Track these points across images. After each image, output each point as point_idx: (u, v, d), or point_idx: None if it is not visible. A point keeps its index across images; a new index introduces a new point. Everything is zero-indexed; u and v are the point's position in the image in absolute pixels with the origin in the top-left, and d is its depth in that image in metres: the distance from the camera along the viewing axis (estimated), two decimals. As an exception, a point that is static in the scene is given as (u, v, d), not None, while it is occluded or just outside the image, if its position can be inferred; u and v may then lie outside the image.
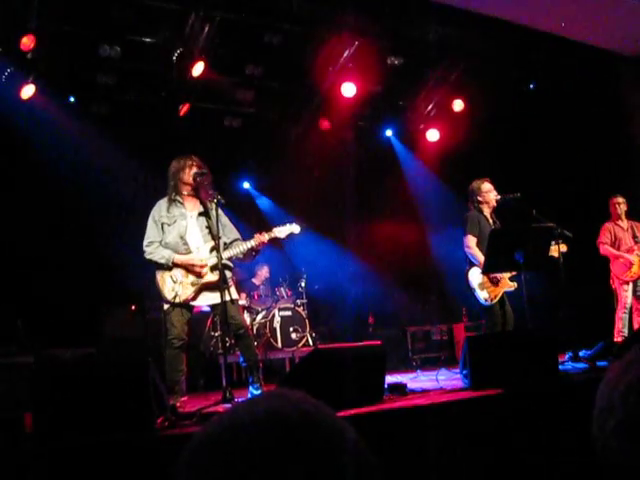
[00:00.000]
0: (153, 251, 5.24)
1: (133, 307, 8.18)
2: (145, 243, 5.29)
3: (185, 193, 5.36)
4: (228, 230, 5.46)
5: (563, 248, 6.39)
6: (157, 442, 3.30)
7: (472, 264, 6.41)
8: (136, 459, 3.16)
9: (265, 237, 5.31)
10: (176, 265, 5.20)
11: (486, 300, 6.32)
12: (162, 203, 5.37)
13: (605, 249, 8.08)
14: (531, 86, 10.46)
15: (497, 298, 6.33)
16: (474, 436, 3.76)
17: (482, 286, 6.34)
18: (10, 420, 3.55)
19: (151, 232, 5.30)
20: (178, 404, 4.78)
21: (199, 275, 5.21)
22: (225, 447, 0.75)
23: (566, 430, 3.78)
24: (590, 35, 9.12)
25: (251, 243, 5.30)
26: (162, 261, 5.20)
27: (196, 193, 5.35)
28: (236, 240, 5.43)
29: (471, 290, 6.43)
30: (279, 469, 0.72)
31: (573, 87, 9.58)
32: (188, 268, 5.21)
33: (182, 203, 5.35)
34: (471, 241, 6.44)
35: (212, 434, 0.78)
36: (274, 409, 0.78)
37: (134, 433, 3.43)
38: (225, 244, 5.32)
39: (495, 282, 6.32)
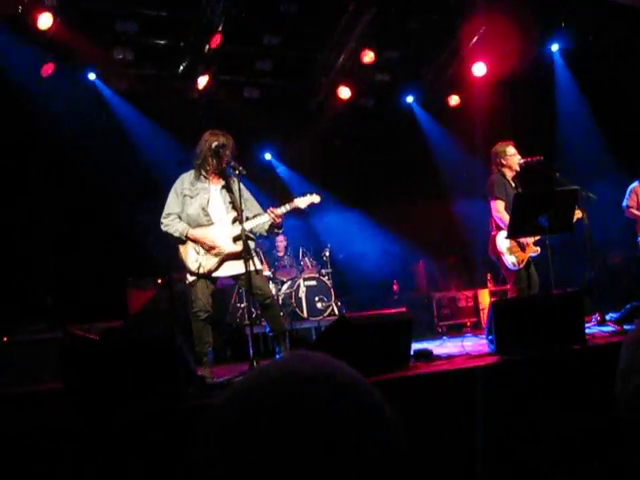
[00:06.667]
0: (169, 223, 5.30)
1: (160, 280, 8.24)
2: (163, 215, 5.35)
3: (209, 168, 5.37)
4: (250, 204, 5.50)
5: (578, 214, 6.23)
6: (186, 412, 3.35)
7: (500, 228, 6.35)
8: (165, 429, 3.21)
9: (282, 210, 5.33)
10: (189, 239, 5.25)
11: (514, 265, 6.28)
12: (186, 176, 5.42)
13: (630, 212, 7.98)
14: (554, 47, 10.24)
15: (524, 263, 6.29)
16: (500, 401, 3.76)
17: (510, 250, 6.29)
18: (42, 394, 3.62)
19: (170, 204, 5.36)
20: (206, 375, 4.84)
21: (214, 249, 5.24)
22: (242, 407, 0.77)
23: (592, 393, 3.76)
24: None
25: (265, 218, 5.33)
26: (176, 234, 5.27)
27: (219, 167, 5.36)
28: (258, 215, 5.45)
29: (498, 255, 6.38)
30: (296, 427, 0.73)
31: (600, 46, 9.37)
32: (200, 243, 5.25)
33: (207, 177, 5.39)
34: (500, 205, 6.37)
35: (232, 396, 0.80)
36: (291, 368, 0.80)
37: (163, 404, 3.48)
38: (247, 218, 5.33)
39: (522, 247, 6.28)
